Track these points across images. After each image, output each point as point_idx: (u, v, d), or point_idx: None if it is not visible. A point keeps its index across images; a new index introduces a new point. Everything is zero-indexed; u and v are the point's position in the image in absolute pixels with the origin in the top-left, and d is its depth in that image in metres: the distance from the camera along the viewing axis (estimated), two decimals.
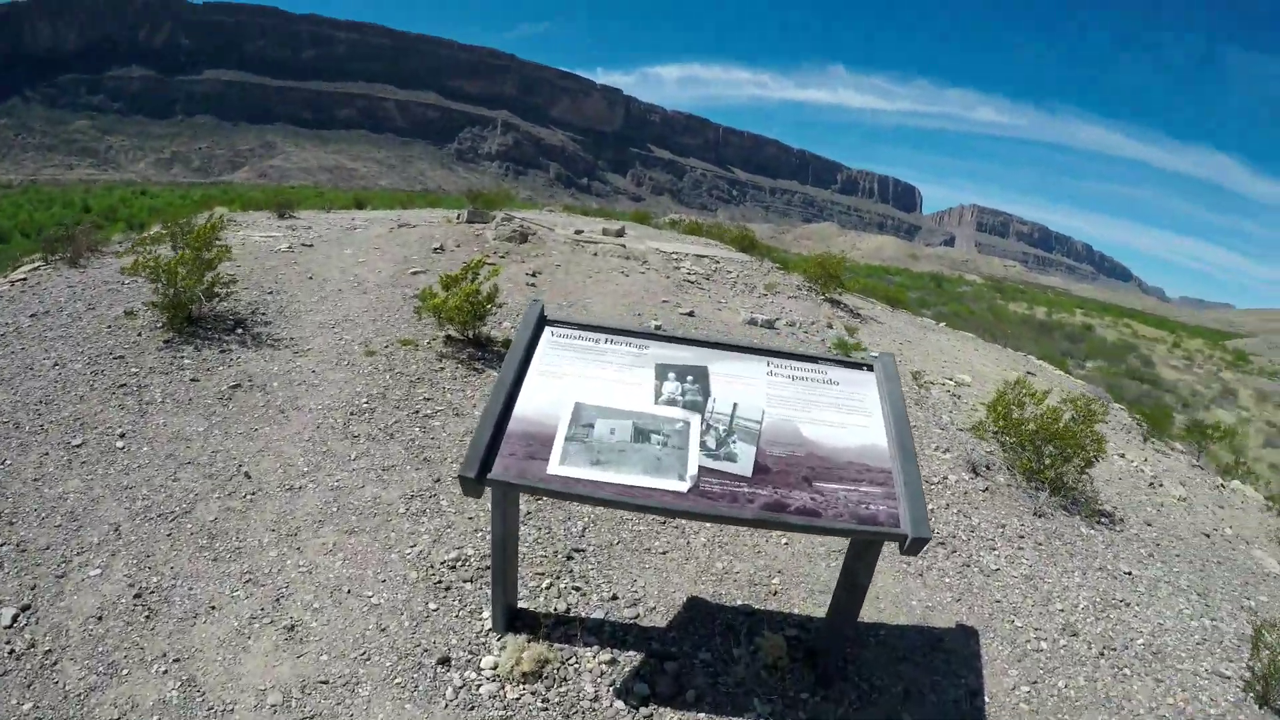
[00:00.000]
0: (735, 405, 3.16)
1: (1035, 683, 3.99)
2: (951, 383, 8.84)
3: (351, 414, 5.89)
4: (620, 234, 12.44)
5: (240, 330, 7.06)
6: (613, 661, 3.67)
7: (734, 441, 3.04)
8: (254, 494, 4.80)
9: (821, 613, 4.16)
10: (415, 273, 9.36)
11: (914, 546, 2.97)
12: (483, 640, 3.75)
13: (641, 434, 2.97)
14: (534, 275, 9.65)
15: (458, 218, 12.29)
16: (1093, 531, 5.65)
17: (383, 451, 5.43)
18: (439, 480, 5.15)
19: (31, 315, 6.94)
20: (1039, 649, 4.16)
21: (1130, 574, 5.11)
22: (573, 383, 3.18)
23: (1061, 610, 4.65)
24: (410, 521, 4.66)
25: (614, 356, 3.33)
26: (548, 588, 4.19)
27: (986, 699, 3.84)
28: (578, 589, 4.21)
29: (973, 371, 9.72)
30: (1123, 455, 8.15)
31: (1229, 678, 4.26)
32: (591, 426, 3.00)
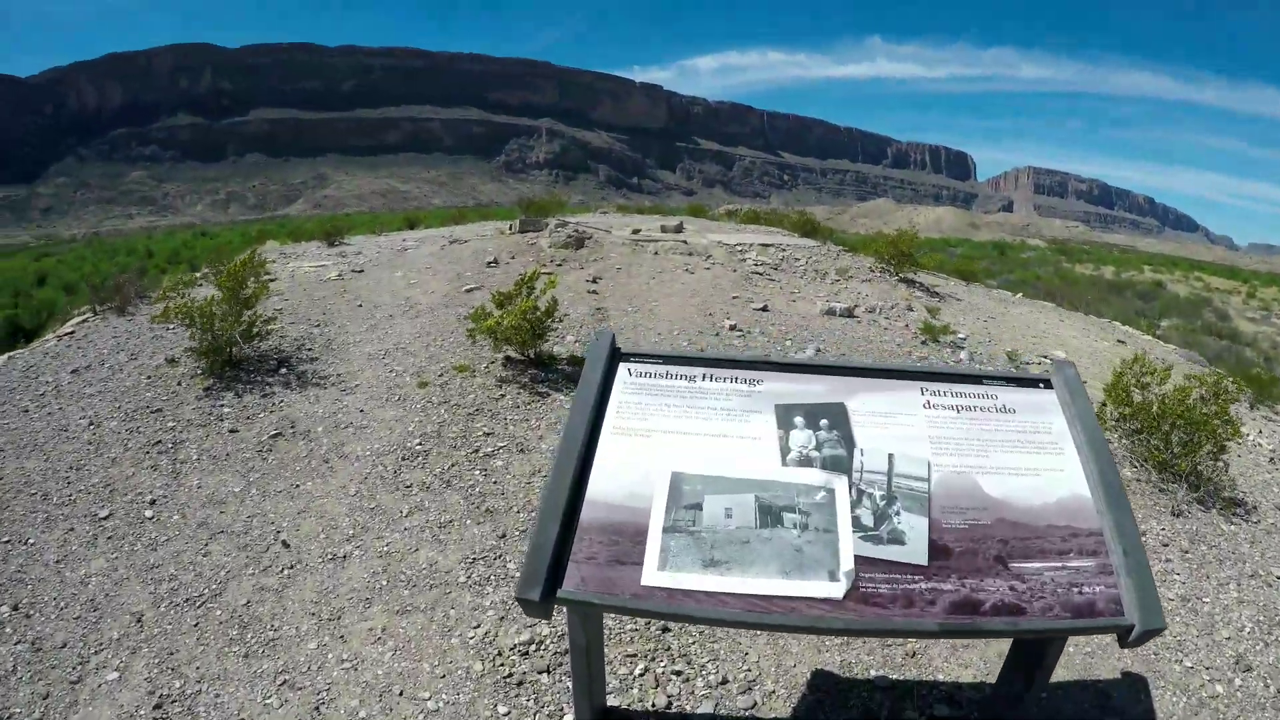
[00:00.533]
0: (891, 458, 2.30)
1: None
2: (1048, 361, 7.70)
3: (403, 459, 5.20)
4: (679, 229, 11.68)
5: (284, 370, 6.51)
6: None
7: (897, 513, 2.17)
8: (292, 567, 4.12)
9: (970, 675, 3.54)
10: (470, 290, 8.77)
11: (1141, 640, 2.08)
12: None
13: (769, 513, 2.12)
14: (594, 281, 9.00)
15: (510, 229, 11.79)
16: (1233, 527, 4.89)
17: (439, 504, 4.72)
18: (504, 536, 4.37)
19: (73, 371, 6.55)
20: (1214, 694, 3.45)
21: None
22: (664, 441, 2.37)
23: (1229, 639, 3.79)
24: (472, 594, 3.90)
25: (716, 399, 2.48)
26: (642, 674, 3.36)
27: None
28: (678, 673, 3.38)
29: (1064, 345, 8.76)
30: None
31: None
32: (699, 508, 2.17)
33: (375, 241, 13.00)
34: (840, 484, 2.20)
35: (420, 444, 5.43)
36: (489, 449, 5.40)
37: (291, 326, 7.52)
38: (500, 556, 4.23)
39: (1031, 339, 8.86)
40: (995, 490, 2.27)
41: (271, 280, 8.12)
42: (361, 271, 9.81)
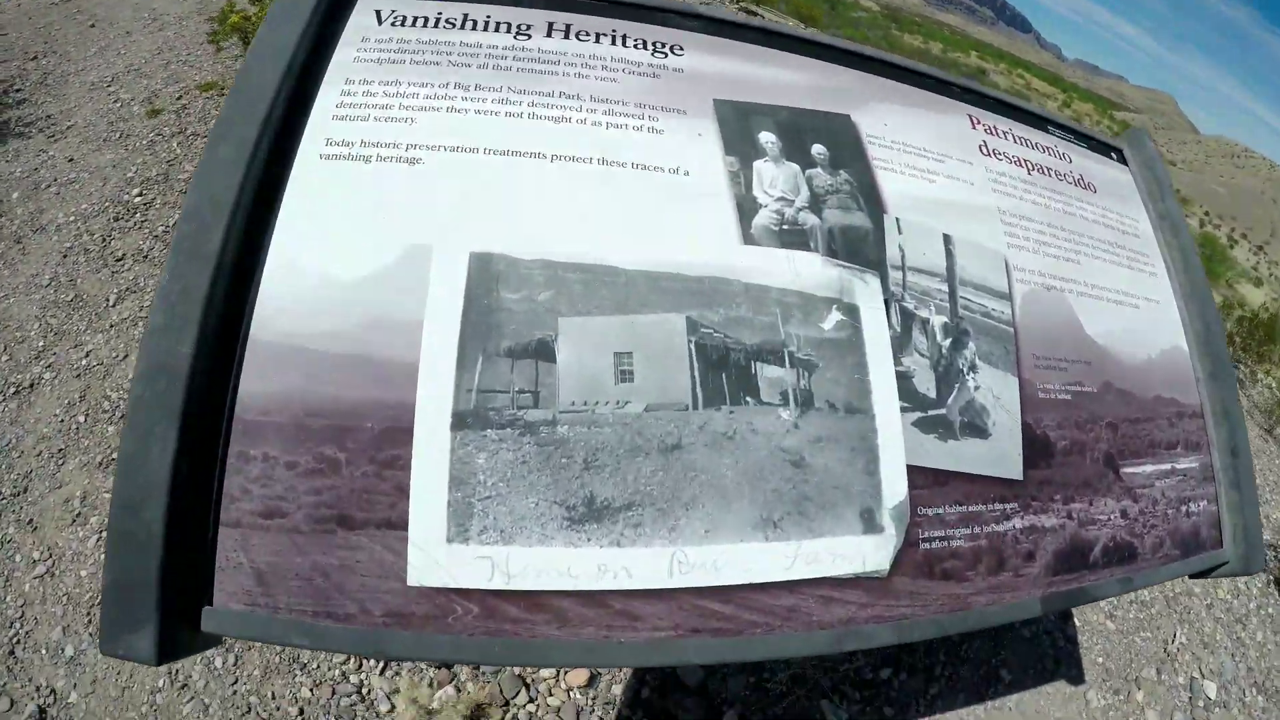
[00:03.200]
0: (950, 244, 1.08)
1: None
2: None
3: (116, 220, 3.52)
4: None
5: None
6: None
7: (971, 368, 1.03)
8: None
9: None
10: None
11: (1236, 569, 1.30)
12: None
13: (718, 363, 0.82)
14: None
15: None
16: None
17: (158, 280, 2.89)
18: None
19: None
20: None
21: None
22: (450, 174, 0.91)
23: None
24: None
25: (580, 78, 1.01)
26: None
27: None
28: None
29: None
30: None
31: None
32: (544, 355, 0.83)
33: None
34: (868, 293, 0.95)
35: (141, 194, 3.69)
36: None
37: (1, 66, 5.15)
38: None
39: None
40: (1096, 328, 1.19)
41: None
42: None
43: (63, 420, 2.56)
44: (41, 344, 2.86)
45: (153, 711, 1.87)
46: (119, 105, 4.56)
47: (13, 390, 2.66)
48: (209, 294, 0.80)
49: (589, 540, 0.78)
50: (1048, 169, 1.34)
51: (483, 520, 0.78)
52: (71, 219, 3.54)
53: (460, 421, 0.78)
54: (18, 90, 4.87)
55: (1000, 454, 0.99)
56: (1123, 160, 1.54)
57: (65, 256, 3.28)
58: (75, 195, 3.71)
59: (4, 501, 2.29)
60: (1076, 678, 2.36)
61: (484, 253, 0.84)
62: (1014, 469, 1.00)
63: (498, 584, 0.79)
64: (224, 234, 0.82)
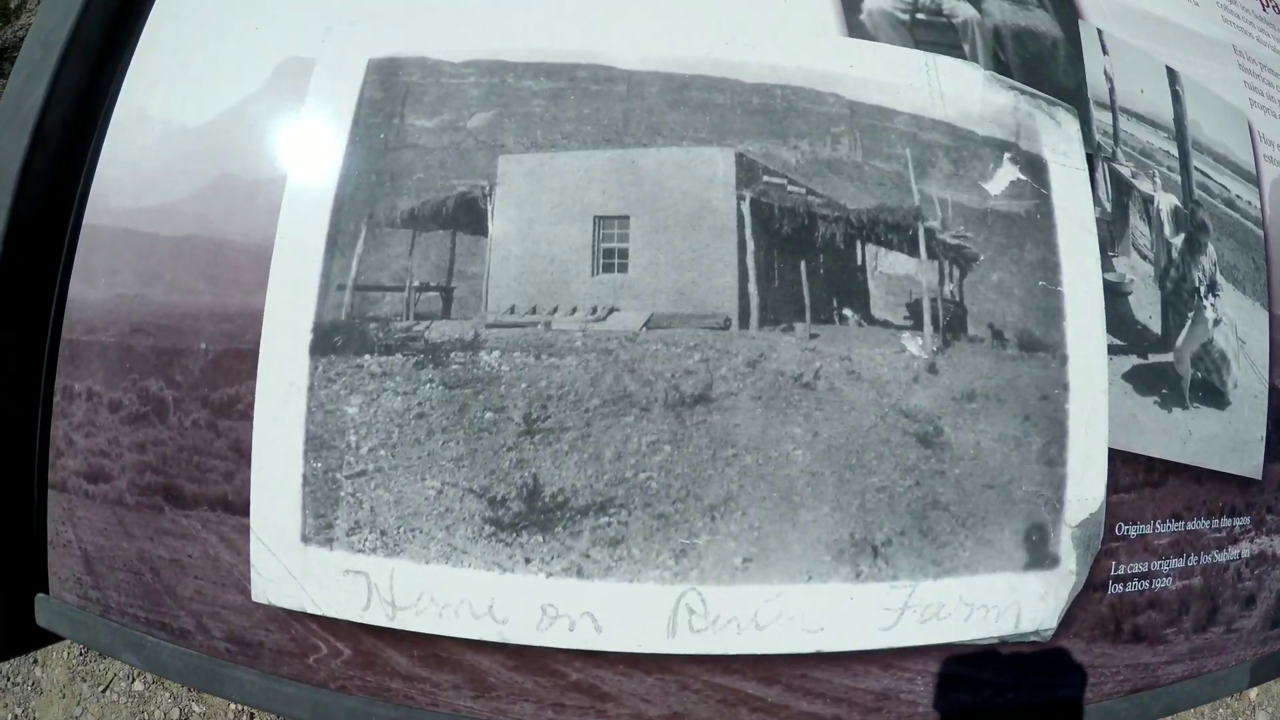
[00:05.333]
0: (1179, 83, 0.66)
1: None
2: None
3: None
4: None
5: None
6: None
7: (1213, 290, 0.62)
8: None
9: None
10: None
11: None
12: None
13: (811, 253, 0.43)
14: None
15: None
16: None
17: None
18: None
19: None
20: None
21: None
22: None
23: None
24: None
25: None
26: None
27: None
28: None
29: None
30: None
31: None
32: (481, 228, 0.43)
33: None
34: (1062, 140, 0.52)
35: None
36: None
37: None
38: None
39: None
40: None
41: None
42: None
43: None
44: None
45: None
46: None
47: None
48: (24, 165, 0.53)
49: (528, 560, 0.42)
50: None
51: (354, 511, 0.44)
52: None
53: (324, 341, 0.44)
54: None
55: (1238, 438, 0.59)
56: None
57: None
58: None
59: None
60: None
61: (388, 58, 0.46)
62: (1254, 463, 0.60)
63: (377, 617, 0.45)
64: (51, 79, 0.54)
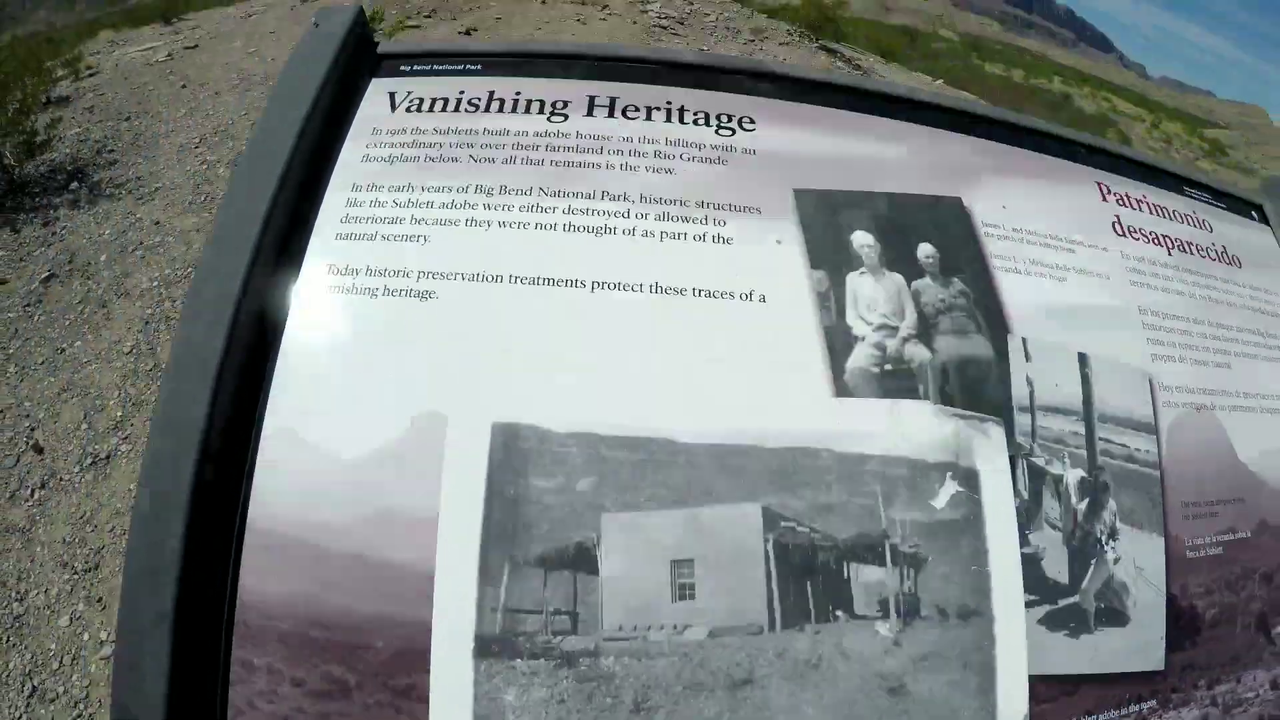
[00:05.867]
0: (1088, 367, 0.87)
1: None
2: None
3: None
4: None
5: (76, 184, 4.38)
6: None
7: (1112, 534, 0.79)
8: (44, 486, 2.59)
9: None
10: None
11: None
12: None
13: (801, 568, 0.64)
14: (468, 34, 7.04)
15: None
16: None
17: None
18: None
19: None
20: None
21: None
22: (462, 311, 0.76)
23: None
24: None
25: (626, 169, 0.83)
26: None
27: None
28: None
29: None
30: None
31: None
32: (585, 560, 0.68)
33: (222, 13, 10.05)
34: (990, 450, 0.75)
35: None
36: None
37: (97, 126, 5.25)
38: None
39: None
40: (1249, 451, 0.96)
41: (91, 74, 6.27)
42: (195, 47, 7.38)
43: (133, 492, 2.56)
44: (120, 414, 2.84)
45: None
46: (205, 167, 4.59)
47: (90, 461, 2.64)
48: (197, 471, 0.67)
49: None
50: (1189, 245, 1.09)
51: None
52: (154, 284, 3.55)
53: (485, 648, 0.63)
54: (110, 151, 4.97)
55: (1141, 642, 0.79)
56: (1264, 219, 1.27)
57: (147, 324, 3.28)
58: (159, 260, 3.73)
59: (76, 577, 2.29)
60: None
61: (509, 423, 0.67)
62: (1155, 659, 0.81)
63: None
64: (210, 397, 0.68)
